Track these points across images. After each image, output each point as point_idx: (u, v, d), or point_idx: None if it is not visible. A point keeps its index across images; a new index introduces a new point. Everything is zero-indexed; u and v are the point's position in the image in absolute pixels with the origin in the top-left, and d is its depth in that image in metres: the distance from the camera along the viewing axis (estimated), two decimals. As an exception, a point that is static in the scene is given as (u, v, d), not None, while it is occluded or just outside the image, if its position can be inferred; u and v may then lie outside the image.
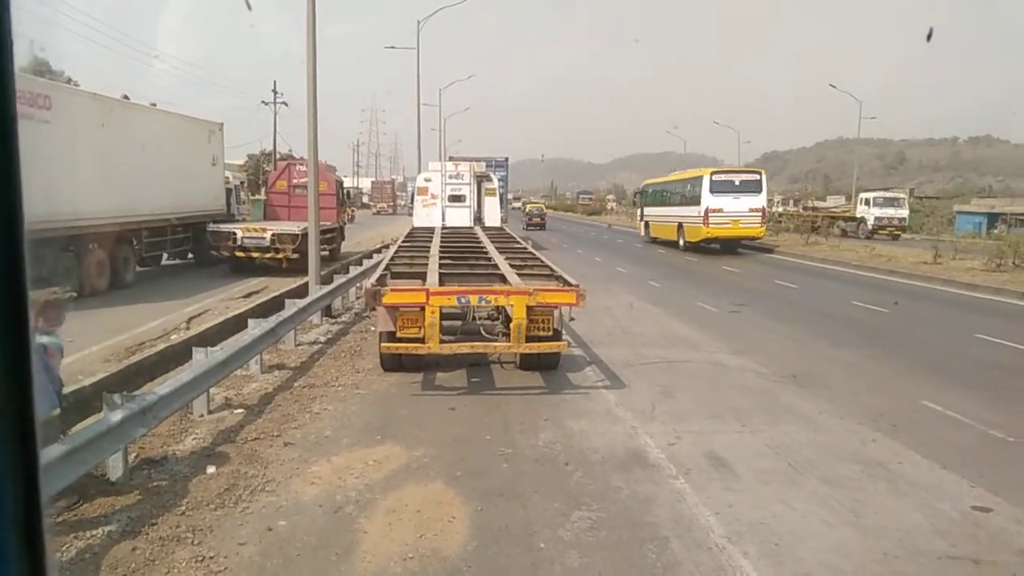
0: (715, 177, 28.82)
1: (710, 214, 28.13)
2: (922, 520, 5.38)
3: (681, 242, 30.58)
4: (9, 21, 0.82)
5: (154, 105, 19.76)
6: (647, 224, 36.27)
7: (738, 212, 28.13)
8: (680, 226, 30.72)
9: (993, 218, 45.20)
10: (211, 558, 4.66)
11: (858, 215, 41.39)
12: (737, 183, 28.79)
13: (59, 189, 14.00)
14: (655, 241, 34.59)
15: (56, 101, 14.38)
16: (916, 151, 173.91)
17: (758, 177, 29.12)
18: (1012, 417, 8.02)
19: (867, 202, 41.52)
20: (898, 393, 9.07)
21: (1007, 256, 22.25)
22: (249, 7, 17.21)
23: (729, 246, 29.54)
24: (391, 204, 78.34)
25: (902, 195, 44.17)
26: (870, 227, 39.54)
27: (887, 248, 29.97)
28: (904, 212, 41.04)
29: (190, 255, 22.08)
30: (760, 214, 28.63)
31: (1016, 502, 5.67)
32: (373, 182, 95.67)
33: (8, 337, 0.82)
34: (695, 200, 29.10)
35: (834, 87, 51.62)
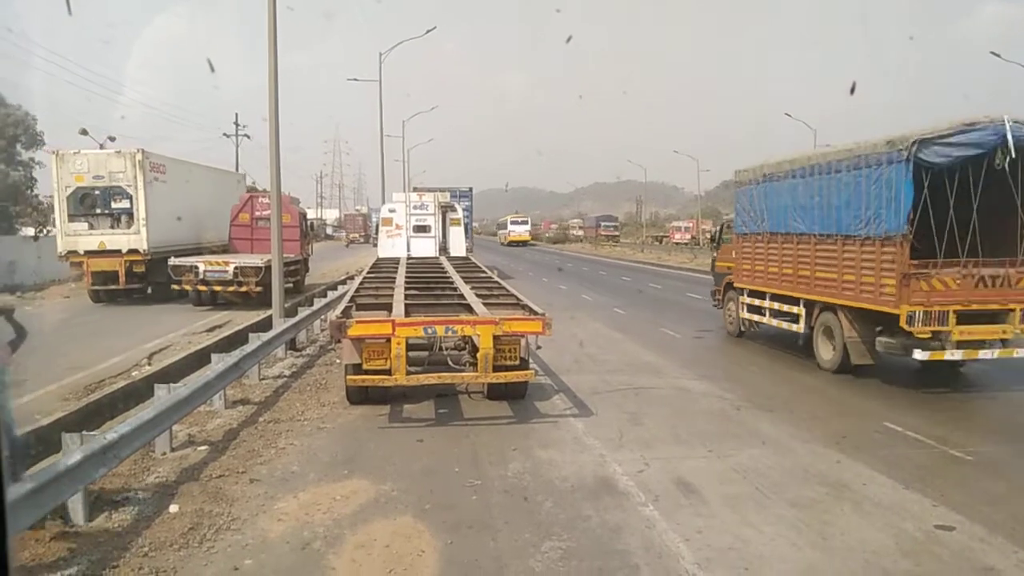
0: (511, 219, 79.06)
1: (510, 232, 74.75)
2: (887, 540, 5.46)
3: (506, 243, 72.85)
4: None
5: (113, 139, 20.18)
6: (500, 238, 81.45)
7: (520, 231, 74.84)
8: (505, 236, 75.72)
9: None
10: (175, 600, 4.56)
11: None
12: (520, 220, 77.91)
13: (171, 225, 21.70)
14: (501, 244, 73.93)
15: (167, 167, 22.08)
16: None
17: (527, 218, 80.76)
18: (969, 436, 8.21)
19: None
20: (860, 415, 9.22)
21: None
22: (212, 68, 20.35)
23: (524, 245, 71.48)
24: (363, 234, 79.45)
25: None
26: None
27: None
28: None
29: None
30: (528, 232, 76.27)
31: (977, 520, 5.78)
32: (346, 214, 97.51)
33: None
34: (506, 227, 78.07)
35: (789, 115, 52.93)
